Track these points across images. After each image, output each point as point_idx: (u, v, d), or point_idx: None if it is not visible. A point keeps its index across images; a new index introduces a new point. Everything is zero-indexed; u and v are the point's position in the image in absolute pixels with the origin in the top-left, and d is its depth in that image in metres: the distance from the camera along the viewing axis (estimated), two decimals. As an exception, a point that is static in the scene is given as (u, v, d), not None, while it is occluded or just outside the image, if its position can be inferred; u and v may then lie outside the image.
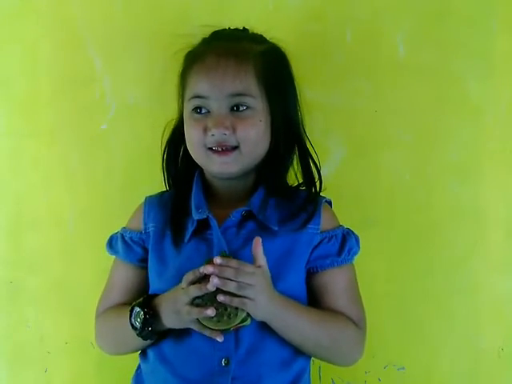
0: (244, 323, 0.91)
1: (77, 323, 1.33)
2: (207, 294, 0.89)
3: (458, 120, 1.22)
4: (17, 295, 1.36)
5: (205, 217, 1.00)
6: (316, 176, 1.07)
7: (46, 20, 1.32)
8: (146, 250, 1.06)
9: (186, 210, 1.03)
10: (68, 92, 1.32)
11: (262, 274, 0.91)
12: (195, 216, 1.01)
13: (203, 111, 1.00)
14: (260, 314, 0.92)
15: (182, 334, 0.97)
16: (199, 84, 1.00)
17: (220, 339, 0.90)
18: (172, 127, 1.10)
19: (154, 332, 0.97)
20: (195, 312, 0.89)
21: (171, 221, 1.04)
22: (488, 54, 1.20)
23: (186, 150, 1.06)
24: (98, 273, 1.14)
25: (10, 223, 1.36)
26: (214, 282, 0.87)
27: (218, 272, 0.88)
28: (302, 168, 1.07)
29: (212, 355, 0.95)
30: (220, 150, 0.99)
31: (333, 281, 1.02)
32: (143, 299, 0.98)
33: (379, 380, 1.25)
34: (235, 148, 0.99)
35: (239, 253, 0.97)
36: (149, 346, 1.02)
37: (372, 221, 1.23)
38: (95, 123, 1.31)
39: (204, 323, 0.90)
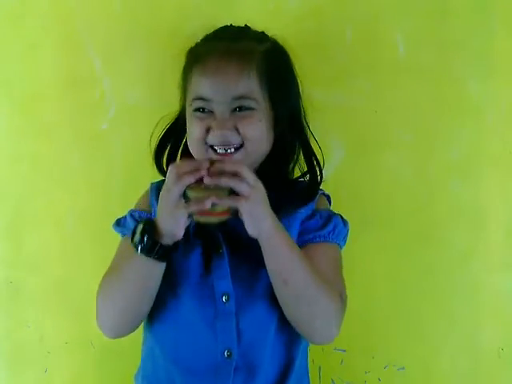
0: (226, 216, 0.89)
1: (77, 323, 1.33)
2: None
3: (458, 120, 1.21)
4: (17, 295, 1.36)
5: None
6: (317, 170, 1.06)
7: (46, 20, 1.32)
8: None
9: None
10: (68, 92, 1.32)
11: (259, 183, 0.90)
12: None
13: (206, 111, 1.00)
14: (252, 216, 0.88)
15: (184, 326, 0.97)
16: (202, 86, 1.00)
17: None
18: (172, 119, 1.09)
19: (153, 241, 0.91)
20: (191, 204, 0.87)
21: None
22: (488, 54, 1.20)
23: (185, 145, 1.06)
24: (98, 273, 1.13)
25: (10, 223, 1.36)
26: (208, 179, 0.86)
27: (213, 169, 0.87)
28: (306, 163, 1.07)
29: (215, 347, 0.96)
30: (224, 151, 0.98)
31: (315, 255, 0.98)
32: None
33: (379, 380, 1.25)
34: (240, 147, 0.98)
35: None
36: (151, 336, 1.01)
37: (372, 221, 1.23)
38: (95, 123, 1.31)
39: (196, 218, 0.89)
